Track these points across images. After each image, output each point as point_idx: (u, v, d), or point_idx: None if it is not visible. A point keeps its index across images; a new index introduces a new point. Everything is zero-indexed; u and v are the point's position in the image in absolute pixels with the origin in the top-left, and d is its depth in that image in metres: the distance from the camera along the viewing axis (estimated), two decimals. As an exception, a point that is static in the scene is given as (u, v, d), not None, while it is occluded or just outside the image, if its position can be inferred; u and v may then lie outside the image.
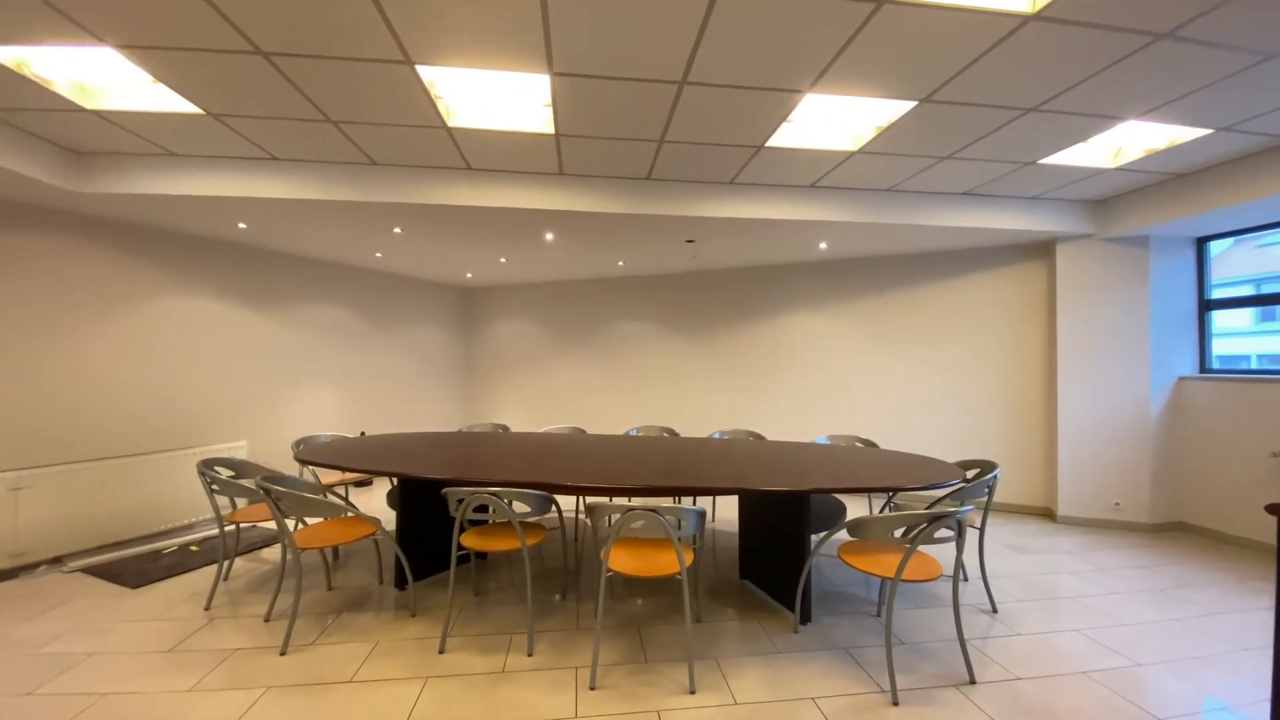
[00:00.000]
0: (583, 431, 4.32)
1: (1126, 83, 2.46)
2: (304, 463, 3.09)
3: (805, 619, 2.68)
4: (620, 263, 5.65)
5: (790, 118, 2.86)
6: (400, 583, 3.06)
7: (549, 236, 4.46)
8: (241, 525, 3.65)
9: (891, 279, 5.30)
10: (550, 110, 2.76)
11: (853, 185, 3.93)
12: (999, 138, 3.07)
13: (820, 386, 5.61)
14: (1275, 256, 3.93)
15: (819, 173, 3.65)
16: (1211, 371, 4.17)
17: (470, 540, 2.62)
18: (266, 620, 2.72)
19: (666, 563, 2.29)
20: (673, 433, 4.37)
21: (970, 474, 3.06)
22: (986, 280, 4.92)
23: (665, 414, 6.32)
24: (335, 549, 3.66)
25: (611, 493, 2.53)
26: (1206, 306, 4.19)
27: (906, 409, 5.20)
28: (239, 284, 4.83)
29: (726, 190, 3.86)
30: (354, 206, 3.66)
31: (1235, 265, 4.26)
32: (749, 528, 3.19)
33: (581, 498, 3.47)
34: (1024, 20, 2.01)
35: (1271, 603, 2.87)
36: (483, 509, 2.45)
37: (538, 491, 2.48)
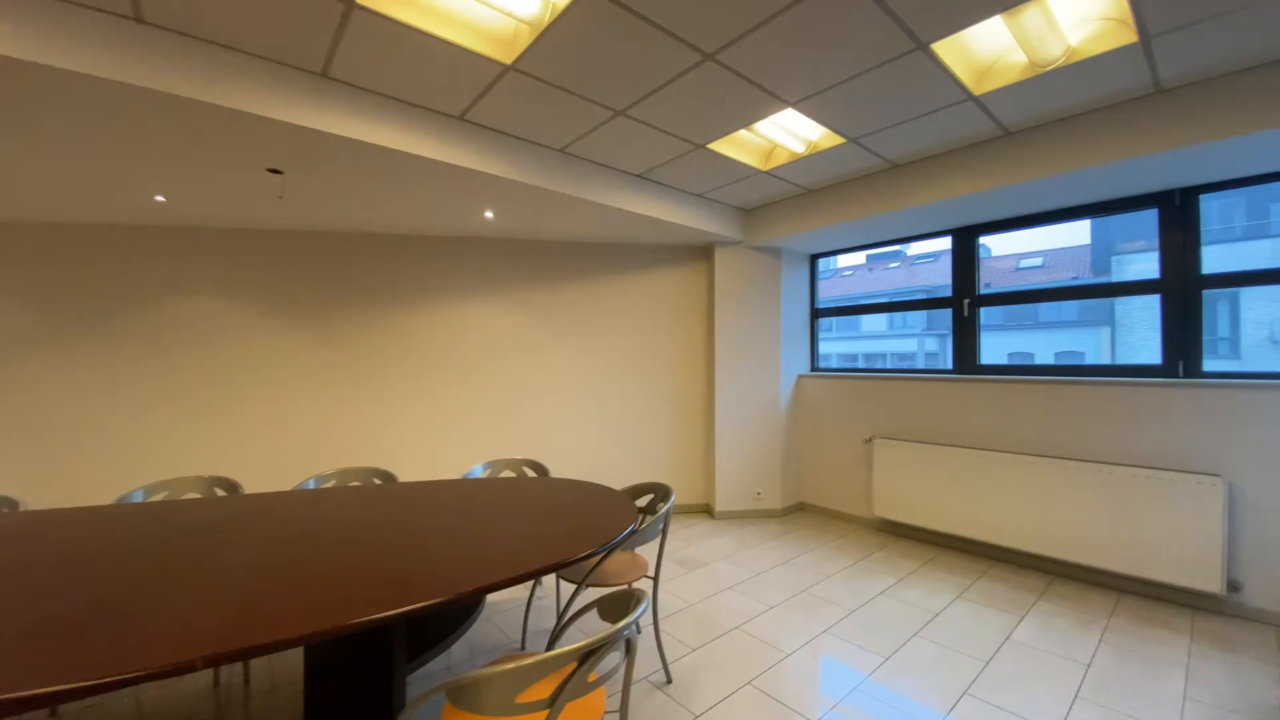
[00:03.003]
0: (16, 506, 2.14)
1: (796, 42, 2.13)
2: None
3: (401, 823, 1.53)
4: (159, 197, 3.41)
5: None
6: None
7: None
8: None
9: (569, 270, 4.63)
10: None
11: (518, 134, 3.00)
12: (674, 93, 2.54)
13: (485, 394, 4.50)
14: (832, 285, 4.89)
15: (465, 94, 2.55)
16: (819, 370, 4.85)
17: None
18: None
19: None
20: (234, 486, 2.62)
21: (643, 500, 2.47)
22: (659, 279, 4.73)
23: (247, 447, 4.07)
24: None
25: None
26: (816, 315, 4.86)
27: (584, 418, 4.62)
28: None
29: (316, 85, 2.39)
30: None
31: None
32: (317, 662, 1.84)
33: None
34: None
35: (887, 584, 3.18)
36: None
37: None
